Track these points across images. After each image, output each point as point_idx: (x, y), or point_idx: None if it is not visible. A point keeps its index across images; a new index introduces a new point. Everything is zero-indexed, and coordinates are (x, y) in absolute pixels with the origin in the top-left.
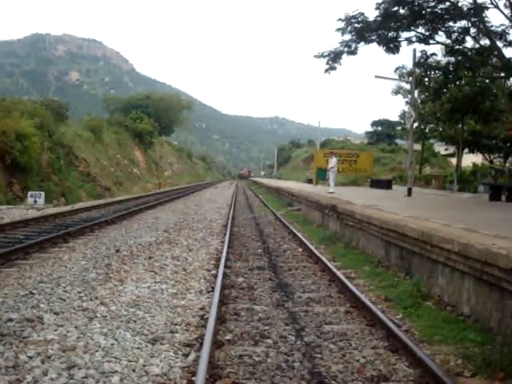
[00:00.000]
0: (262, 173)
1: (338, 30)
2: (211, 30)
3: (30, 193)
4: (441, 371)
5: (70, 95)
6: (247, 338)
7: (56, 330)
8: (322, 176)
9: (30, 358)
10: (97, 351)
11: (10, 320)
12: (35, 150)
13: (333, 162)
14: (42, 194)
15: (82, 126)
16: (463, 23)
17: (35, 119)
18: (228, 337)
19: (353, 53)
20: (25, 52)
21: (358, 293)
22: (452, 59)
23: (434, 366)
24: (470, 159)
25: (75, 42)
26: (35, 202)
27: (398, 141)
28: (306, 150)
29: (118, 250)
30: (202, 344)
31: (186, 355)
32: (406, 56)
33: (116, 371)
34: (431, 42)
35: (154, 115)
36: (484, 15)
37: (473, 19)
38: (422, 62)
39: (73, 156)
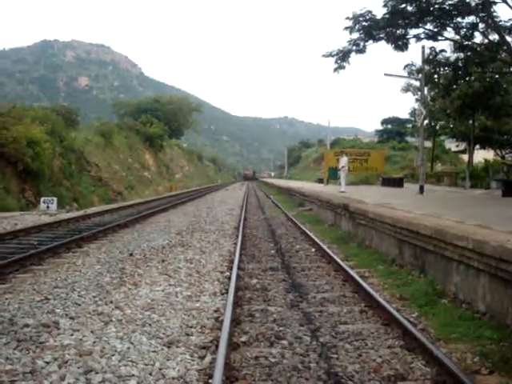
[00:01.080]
0: (273, 173)
1: (346, 28)
2: (219, 32)
3: (42, 198)
4: (458, 369)
5: (80, 100)
6: (262, 339)
7: (72, 335)
8: (333, 175)
9: (47, 363)
10: (113, 355)
11: (27, 325)
12: (47, 156)
13: (344, 161)
14: (55, 199)
15: (92, 131)
16: (471, 19)
17: (46, 125)
18: (243, 338)
19: (361, 51)
20: (34, 59)
21: (372, 292)
22: (461, 55)
23: (451, 364)
24: (482, 155)
25: (83, 47)
26: (48, 207)
27: (409, 138)
28: (316, 149)
29: (131, 254)
30: (217, 346)
31: (202, 358)
32: (415, 53)
33: (133, 375)
34: (440, 38)
35: (163, 118)
36: (492, 10)
37: (481, 14)
38: (431, 59)
39: (84, 161)
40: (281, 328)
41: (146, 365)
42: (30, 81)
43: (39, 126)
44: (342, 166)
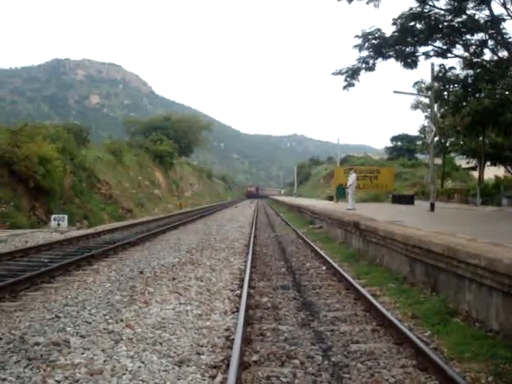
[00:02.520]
0: (282, 191)
1: (356, 46)
2: (229, 51)
3: (53, 216)
4: None
5: (91, 119)
6: (274, 358)
7: (83, 354)
8: (341, 193)
9: (58, 382)
10: (124, 374)
11: (37, 344)
12: (58, 173)
13: (352, 178)
14: (65, 217)
15: (103, 148)
16: (481, 36)
17: (57, 143)
18: (254, 358)
19: (371, 69)
20: (45, 77)
21: (384, 310)
22: (471, 72)
23: None
24: (493, 172)
25: (95, 66)
26: (58, 225)
27: (419, 155)
28: (326, 167)
29: (141, 272)
30: (228, 365)
31: (213, 377)
32: (425, 70)
33: None
34: (449, 55)
35: (173, 136)
36: (501, 27)
37: (490, 31)
38: (441, 76)
39: (95, 179)
40: (292, 347)
41: None
42: (41, 99)
43: (50, 144)
44: (350, 184)
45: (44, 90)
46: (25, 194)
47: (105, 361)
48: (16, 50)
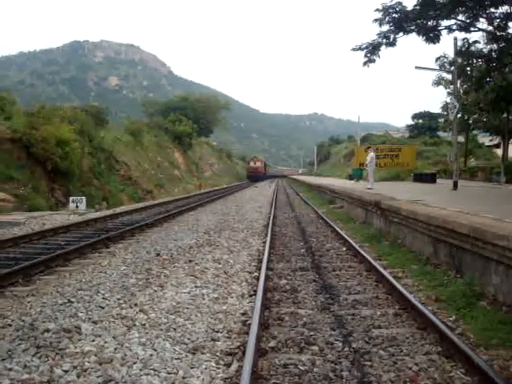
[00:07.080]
0: (300, 170)
1: (376, 20)
2: (248, 29)
3: (71, 198)
4: (501, 379)
5: (110, 100)
6: (292, 344)
7: (93, 341)
8: (358, 174)
9: (66, 372)
10: (134, 363)
11: (47, 331)
12: (76, 155)
13: (370, 157)
14: (84, 198)
15: (122, 130)
16: (505, 8)
17: (75, 125)
18: (272, 344)
19: (391, 44)
20: (64, 60)
21: (406, 293)
22: (495, 46)
23: (492, 374)
24: None
25: (113, 47)
26: (77, 207)
27: (441, 133)
28: (346, 145)
29: (158, 254)
30: (244, 352)
31: (228, 365)
32: (447, 45)
33: None
34: (472, 29)
35: (192, 117)
36: None
37: None
38: (464, 51)
39: (113, 160)
40: (311, 332)
41: (169, 373)
42: (60, 82)
43: (68, 126)
44: (368, 163)
45: (63, 72)
46: (43, 176)
47: (115, 348)
48: (35, 33)
